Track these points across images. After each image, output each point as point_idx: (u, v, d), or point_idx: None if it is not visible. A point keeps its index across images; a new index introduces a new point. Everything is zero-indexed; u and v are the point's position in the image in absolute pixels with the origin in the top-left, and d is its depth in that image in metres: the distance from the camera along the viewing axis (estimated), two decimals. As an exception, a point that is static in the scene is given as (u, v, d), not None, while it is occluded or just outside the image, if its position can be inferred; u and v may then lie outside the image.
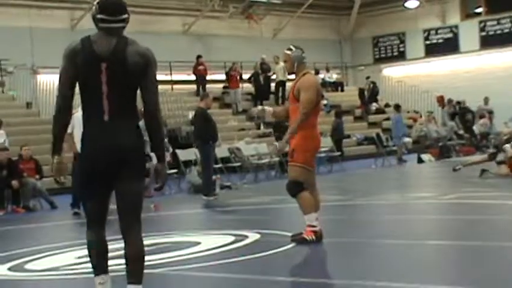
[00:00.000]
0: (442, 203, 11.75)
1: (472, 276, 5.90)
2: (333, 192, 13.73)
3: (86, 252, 5.02)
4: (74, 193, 13.25)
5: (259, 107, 8.87)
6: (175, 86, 28.52)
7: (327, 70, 32.96)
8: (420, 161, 22.45)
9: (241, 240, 8.41)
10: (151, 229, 9.39)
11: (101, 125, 4.64)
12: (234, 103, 28.31)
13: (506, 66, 31.71)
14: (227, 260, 7.23)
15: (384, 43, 36.48)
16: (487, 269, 6.14)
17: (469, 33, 33.42)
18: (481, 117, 26.37)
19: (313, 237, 7.81)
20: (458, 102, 28.19)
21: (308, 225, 7.85)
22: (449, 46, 34.03)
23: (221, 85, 29.37)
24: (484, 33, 33.27)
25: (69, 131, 11.08)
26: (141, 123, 4.72)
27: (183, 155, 18.87)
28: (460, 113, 26.93)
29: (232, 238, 8.62)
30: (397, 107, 24.24)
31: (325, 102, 27.48)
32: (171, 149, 18.81)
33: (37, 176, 15.98)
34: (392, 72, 35.81)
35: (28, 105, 24.30)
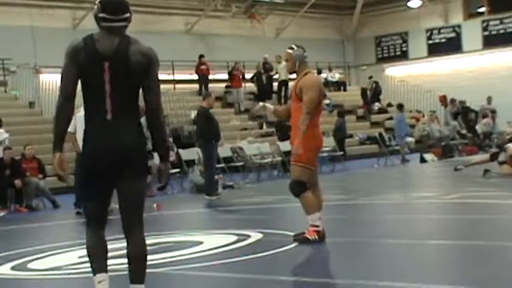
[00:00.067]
0: (445, 203, 11.74)
1: (474, 276, 5.90)
2: (335, 192, 13.72)
3: (87, 251, 4.99)
4: (77, 192, 13.26)
5: (260, 104, 8.85)
6: (177, 86, 28.52)
7: (330, 70, 32.96)
8: (423, 160, 22.43)
9: (243, 240, 8.41)
10: (153, 228, 9.40)
11: (104, 124, 4.63)
12: (237, 102, 28.32)
13: (509, 65, 31.66)
14: (229, 259, 7.23)
15: (386, 43, 36.45)
16: (489, 269, 6.14)
17: (472, 32, 33.38)
18: (484, 116, 26.36)
19: (316, 237, 7.81)
20: (461, 102, 28.17)
21: (311, 224, 7.85)
22: (452, 46, 33.99)
23: (223, 84, 29.39)
24: (486, 33, 33.23)
25: (71, 130, 11.08)
26: (143, 119, 4.71)
27: (186, 154, 18.87)
28: (463, 112, 26.91)
29: (235, 238, 8.62)
30: (400, 107, 24.22)
31: (327, 101, 27.50)
32: (175, 149, 18.82)
33: (40, 176, 16.00)
34: (394, 71, 35.78)
35: (31, 104, 24.32)
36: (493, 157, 15.62)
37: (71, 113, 4.71)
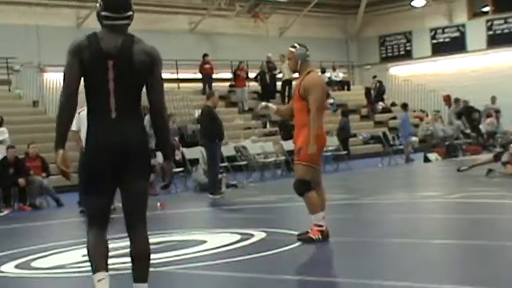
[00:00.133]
0: (449, 202, 11.74)
1: (477, 276, 5.89)
2: (339, 191, 13.72)
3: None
4: (80, 191, 13.29)
5: (263, 104, 8.85)
6: (181, 85, 28.55)
7: (334, 69, 32.95)
8: (427, 160, 22.42)
9: (247, 239, 8.41)
10: (157, 227, 9.41)
11: (108, 122, 4.60)
12: (240, 102, 28.33)
13: (513, 65, 31.67)
14: (233, 258, 7.23)
15: (390, 42, 36.44)
16: (492, 268, 6.13)
17: (476, 32, 33.36)
18: (488, 116, 26.31)
19: (320, 236, 7.80)
20: (465, 102, 28.12)
21: (315, 224, 7.85)
22: (456, 45, 33.97)
23: (227, 84, 29.40)
24: (491, 32, 33.20)
25: (74, 128, 11.05)
26: (146, 118, 4.70)
27: (189, 153, 18.87)
28: (467, 112, 26.87)
29: (238, 237, 8.62)
30: (405, 106, 24.22)
31: (331, 101, 27.50)
32: (181, 148, 18.85)
33: (44, 174, 16.02)
34: (398, 71, 35.77)
35: (35, 103, 24.33)
36: (497, 158, 15.59)
37: (73, 110, 4.66)
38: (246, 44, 31.06)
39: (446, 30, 34.60)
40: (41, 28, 25.60)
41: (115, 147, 4.58)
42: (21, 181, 15.52)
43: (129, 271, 4.81)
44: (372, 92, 31.89)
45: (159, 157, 5.09)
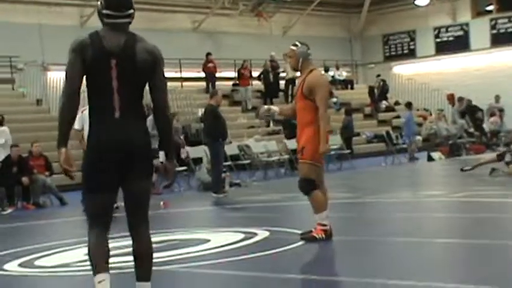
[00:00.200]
0: (452, 201, 11.73)
1: (480, 275, 5.89)
2: (342, 190, 13.72)
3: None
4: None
5: (265, 107, 8.81)
6: (184, 84, 28.54)
7: (337, 68, 32.92)
8: (430, 159, 22.39)
9: (250, 238, 8.41)
10: (160, 226, 9.42)
11: (111, 121, 4.59)
12: (244, 101, 28.33)
13: (517, 64, 31.62)
14: (236, 257, 7.23)
15: (394, 41, 36.40)
16: (496, 267, 6.12)
17: (480, 31, 33.30)
18: (492, 115, 26.29)
19: (323, 235, 7.79)
20: (468, 100, 28.10)
21: (318, 223, 7.84)
22: (459, 44, 33.93)
23: (230, 82, 29.40)
24: (495, 31, 33.14)
25: (77, 127, 11.04)
26: (150, 118, 4.69)
27: (193, 152, 18.88)
28: (470, 111, 26.85)
29: (242, 236, 8.62)
30: (409, 105, 24.21)
31: (334, 100, 27.49)
32: (186, 147, 18.85)
33: (47, 173, 16.04)
34: (402, 70, 35.73)
35: (38, 102, 24.36)
36: (500, 157, 15.57)
37: (76, 109, 4.63)
38: (250, 42, 31.05)
39: (450, 29, 34.56)
40: (45, 27, 25.61)
41: (120, 146, 4.57)
42: (25, 180, 15.53)
43: (132, 270, 4.81)
44: (376, 90, 31.87)
45: (162, 156, 5.05)
